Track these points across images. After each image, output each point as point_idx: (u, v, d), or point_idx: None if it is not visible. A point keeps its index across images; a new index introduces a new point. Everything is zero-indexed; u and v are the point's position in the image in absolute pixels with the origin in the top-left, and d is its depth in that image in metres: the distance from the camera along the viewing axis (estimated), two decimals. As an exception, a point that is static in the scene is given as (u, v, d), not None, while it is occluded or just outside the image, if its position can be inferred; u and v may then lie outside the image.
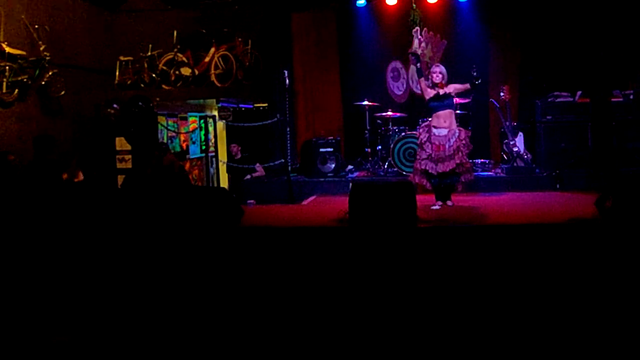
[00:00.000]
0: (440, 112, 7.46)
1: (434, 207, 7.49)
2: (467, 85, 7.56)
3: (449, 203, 7.63)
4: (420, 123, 9.81)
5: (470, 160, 7.86)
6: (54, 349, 4.02)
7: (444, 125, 7.43)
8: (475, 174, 8.62)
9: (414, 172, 7.65)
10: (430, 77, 7.60)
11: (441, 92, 7.47)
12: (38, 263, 5.62)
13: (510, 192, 8.82)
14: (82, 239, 5.89)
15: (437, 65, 7.70)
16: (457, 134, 7.42)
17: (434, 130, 7.47)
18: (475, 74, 7.43)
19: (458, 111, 8.49)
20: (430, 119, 7.69)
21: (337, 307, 4.80)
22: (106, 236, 5.97)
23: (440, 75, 7.49)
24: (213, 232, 6.24)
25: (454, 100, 7.76)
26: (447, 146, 7.36)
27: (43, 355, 3.99)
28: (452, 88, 7.52)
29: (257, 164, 9.92)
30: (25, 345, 4.17)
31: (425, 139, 7.50)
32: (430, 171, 7.40)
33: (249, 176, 9.87)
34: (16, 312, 4.96)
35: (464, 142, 7.42)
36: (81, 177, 7.81)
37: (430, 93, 7.54)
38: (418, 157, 7.62)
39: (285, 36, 10.86)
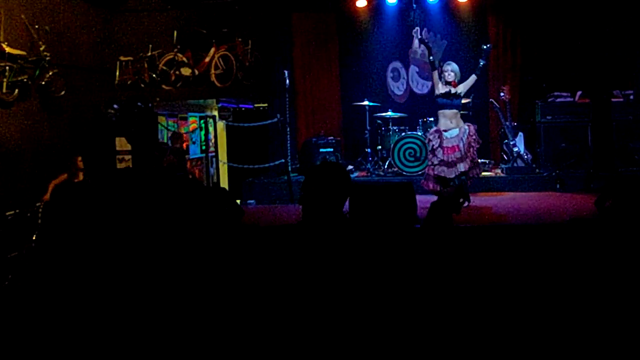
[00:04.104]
0: (447, 111, 7.44)
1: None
2: (474, 77, 7.54)
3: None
4: (420, 123, 9.87)
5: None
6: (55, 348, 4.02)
7: (452, 126, 7.42)
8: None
9: (427, 178, 7.59)
10: (442, 75, 7.58)
11: (453, 90, 7.45)
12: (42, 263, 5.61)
13: (510, 192, 8.83)
14: (82, 238, 5.88)
15: (449, 64, 7.62)
16: (467, 131, 7.41)
17: (444, 134, 7.44)
18: (486, 47, 7.59)
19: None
20: (436, 125, 7.65)
21: (336, 307, 4.79)
22: (105, 236, 5.96)
23: (453, 74, 7.46)
24: (213, 232, 6.23)
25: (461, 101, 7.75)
26: (460, 145, 7.34)
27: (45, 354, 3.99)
28: (462, 87, 7.51)
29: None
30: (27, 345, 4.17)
31: (437, 145, 7.44)
32: (444, 175, 7.37)
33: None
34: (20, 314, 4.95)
35: (474, 137, 7.42)
36: (81, 177, 7.82)
37: (441, 88, 7.52)
38: (430, 162, 7.56)
39: (285, 36, 10.86)
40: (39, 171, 7.87)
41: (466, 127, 7.45)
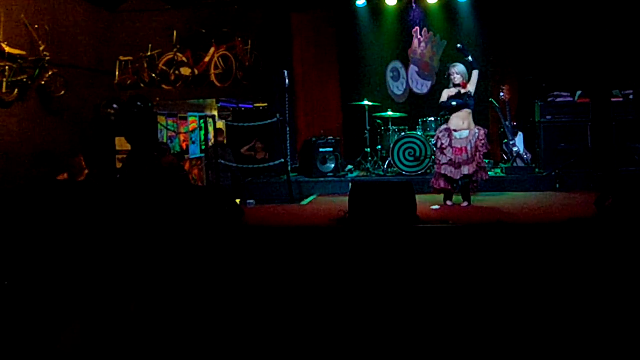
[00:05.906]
0: (460, 112, 7.43)
1: (434, 207, 7.50)
2: (476, 73, 7.53)
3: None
4: (420, 123, 9.87)
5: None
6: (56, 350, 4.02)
7: (463, 127, 7.40)
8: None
9: (437, 176, 7.58)
10: (449, 78, 7.57)
11: (463, 91, 7.43)
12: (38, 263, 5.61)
13: (510, 192, 8.82)
14: (82, 238, 5.89)
15: (455, 66, 7.59)
16: (477, 134, 7.40)
17: (455, 134, 7.42)
18: (459, 45, 7.75)
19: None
20: (447, 124, 7.63)
21: (336, 307, 4.80)
22: (105, 236, 5.97)
23: (459, 76, 7.46)
24: (213, 232, 6.23)
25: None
26: (469, 148, 7.33)
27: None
28: (471, 86, 7.48)
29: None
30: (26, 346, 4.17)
31: (447, 144, 7.42)
32: (450, 175, 7.37)
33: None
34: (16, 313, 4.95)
35: (483, 141, 7.41)
36: (84, 176, 7.80)
37: (451, 92, 7.50)
38: (438, 161, 7.55)
39: (285, 36, 10.86)
40: (39, 171, 7.86)
41: (477, 130, 7.43)
